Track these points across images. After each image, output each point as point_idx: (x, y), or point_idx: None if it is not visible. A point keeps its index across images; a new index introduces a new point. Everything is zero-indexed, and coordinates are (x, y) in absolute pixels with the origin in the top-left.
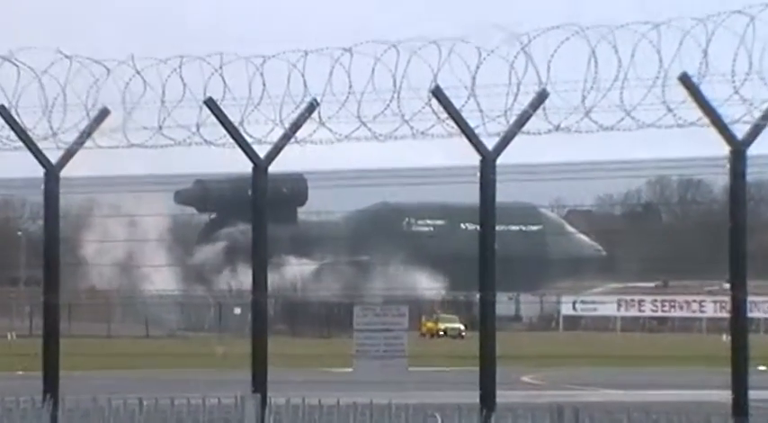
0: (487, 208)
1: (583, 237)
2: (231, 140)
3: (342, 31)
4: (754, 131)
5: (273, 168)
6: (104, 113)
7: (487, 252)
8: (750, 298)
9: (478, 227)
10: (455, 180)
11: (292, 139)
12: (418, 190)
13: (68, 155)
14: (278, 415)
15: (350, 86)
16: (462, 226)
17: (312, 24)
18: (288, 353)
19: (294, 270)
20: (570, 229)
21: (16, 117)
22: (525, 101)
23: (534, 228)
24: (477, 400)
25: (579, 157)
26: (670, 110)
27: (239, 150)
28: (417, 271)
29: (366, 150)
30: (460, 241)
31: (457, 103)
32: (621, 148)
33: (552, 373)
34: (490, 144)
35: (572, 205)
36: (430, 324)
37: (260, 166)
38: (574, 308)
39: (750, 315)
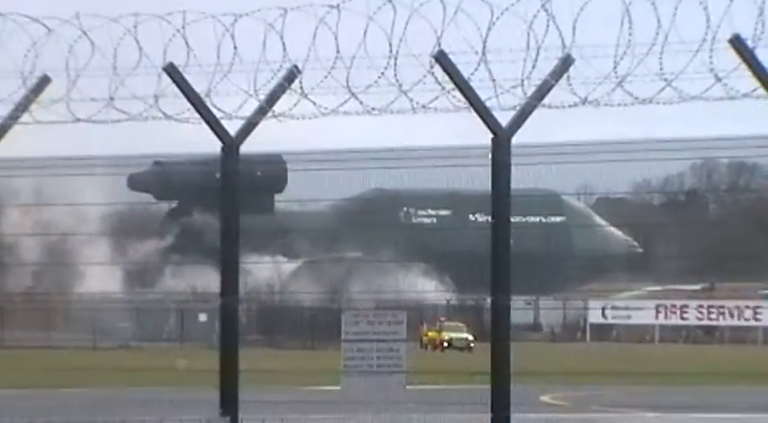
0: (501, 196)
1: (614, 230)
2: (196, 115)
3: None
4: None
5: (246, 148)
6: (44, 82)
7: (501, 248)
8: None
9: (490, 218)
10: (463, 162)
11: (269, 114)
12: (419, 174)
13: (1, 131)
14: None
15: (337, 51)
16: (471, 217)
17: None
18: (263, 367)
19: (271, 269)
20: (599, 220)
21: None
22: (546, 68)
23: (556, 219)
24: None
25: (610, 135)
26: (719, 79)
27: (206, 126)
28: (417, 270)
29: (357, 127)
30: (469, 235)
31: (465, 71)
32: (661, 125)
33: (578, 392)
34: (504, 120)
35: (602, 192)
36: (432, 333)
37: (230, 145)
38: (603, 315)
39: None
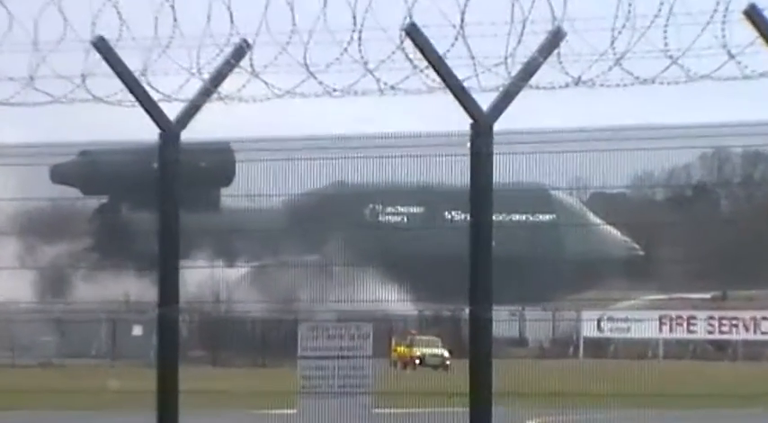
0: (481, 190)
1: (612, 230)
2: (130, 96)
3: None
4: None
5: (188, 135)
6: None
7: (481, 250)
8: None
9: (469, 216)
10: (437, 152)
11: (214, 95)
12: (387, 165)
13: None
14: None
15: (293, 24)
16: (447, 215)
17: None
18: (207, 388)
19: (216, 275)
20: (594, 218)
21: None
22: (534, 44)
23: (545, 217)
24: None
25: (607, 120)
26: (732, 56)
27: (141, 110)
28: (385, 276)
29: (316, 111)
30: (444, 236)
31: (440, 47)
32: (665, 109)
33: (569, 415)
34: (485, 103)
35: (597, 187)
36: (402, 349)
37: (169, 131)
38: (599, 327)
39: None
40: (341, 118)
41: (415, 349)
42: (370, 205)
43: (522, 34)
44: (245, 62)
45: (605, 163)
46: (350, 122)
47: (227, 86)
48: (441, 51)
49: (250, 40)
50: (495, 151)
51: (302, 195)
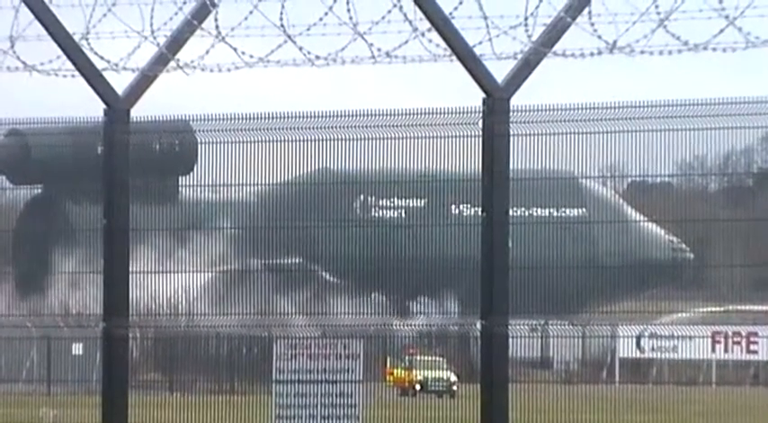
0: (496, 179)
1: (654, 227)
2: (69, 65)
3: None
4: None
5: (140, 112)
6: None
7: (496, 252)
8: None
9: (480, 211)
10: (442, 133)
11: (171, 64)
12: (382, 149)
13: None
14: None
15: None
16: (454, 209)
17: None
18: (163, 419)
19: (174, 281)
20: (633, 214)
21: None
22: (560, 2)
23: (573, 212)
24: None
25: (649, 95)
26: None
27: (82, 81)
28: (379, 283)
29: (294, 82)
30: (451, 234)
31: (446, 5)
32: (719, 81)
33: None
34: (501, 73)
35: (637, 175)
36: (399, 371)
37: (117, 107)
38: (639, 346)
39: None
40: (325, 91)
41: (414, 372)
42: (361, 197)
43: None
44: (208, 23)
45: (647, 146)
46: (336, 96)
47: (186, 53)
48: (447, 10)
49: None
50: (512, 131)
51: (279, 185)
